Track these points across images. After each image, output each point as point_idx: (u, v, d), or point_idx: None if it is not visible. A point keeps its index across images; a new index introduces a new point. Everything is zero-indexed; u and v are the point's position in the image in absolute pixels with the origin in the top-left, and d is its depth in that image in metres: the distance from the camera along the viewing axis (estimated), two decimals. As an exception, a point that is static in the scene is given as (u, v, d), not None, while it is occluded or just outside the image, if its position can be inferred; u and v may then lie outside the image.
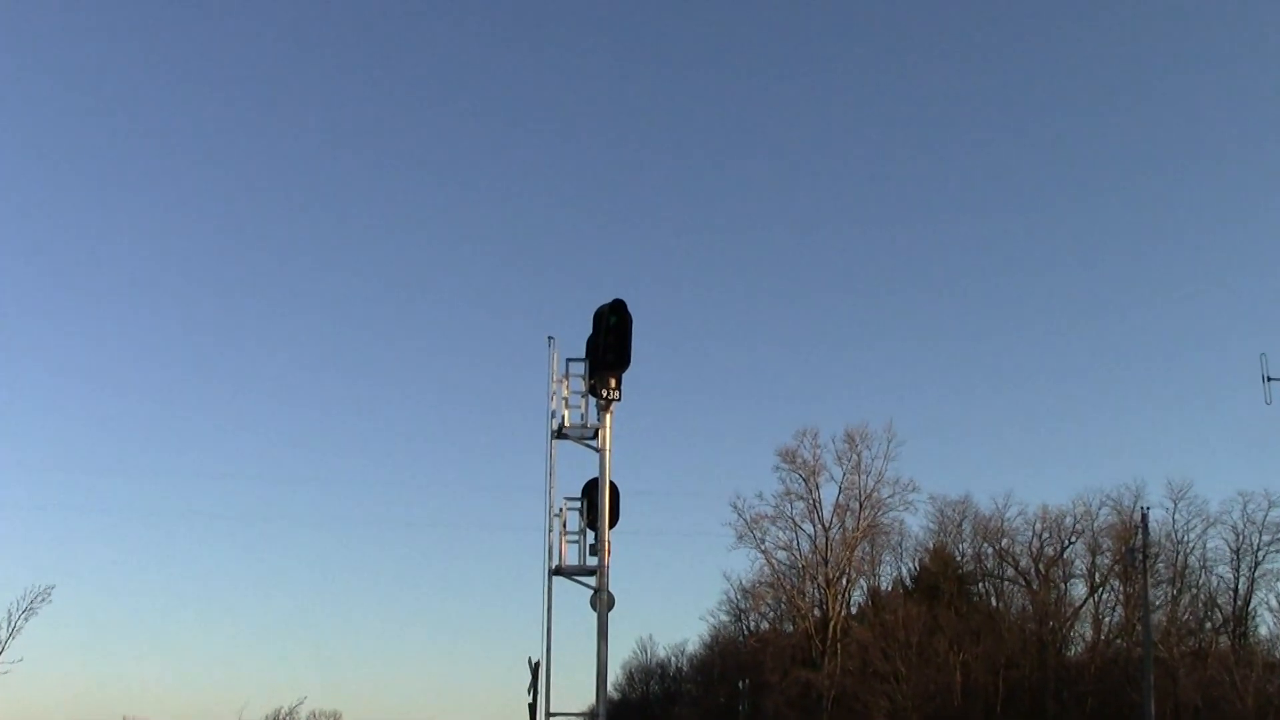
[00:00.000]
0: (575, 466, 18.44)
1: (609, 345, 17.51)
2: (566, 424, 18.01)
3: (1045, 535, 66.59)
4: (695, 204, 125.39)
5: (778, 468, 67.82)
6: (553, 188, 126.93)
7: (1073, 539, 65.85)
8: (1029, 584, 66.41)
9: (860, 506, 67.41)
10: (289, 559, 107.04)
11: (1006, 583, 68.46)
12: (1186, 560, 62.61)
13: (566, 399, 18.08)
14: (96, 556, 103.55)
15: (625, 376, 17.75)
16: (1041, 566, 65.99)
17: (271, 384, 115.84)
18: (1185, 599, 62.34)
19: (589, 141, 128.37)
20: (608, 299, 17.61)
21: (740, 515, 67.53)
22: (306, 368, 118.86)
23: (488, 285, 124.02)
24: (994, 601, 68.85)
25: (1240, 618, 61.14)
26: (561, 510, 17.93)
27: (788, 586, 69.65)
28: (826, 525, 67.54)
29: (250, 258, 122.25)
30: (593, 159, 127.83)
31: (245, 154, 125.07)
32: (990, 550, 69.37)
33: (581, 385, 18.09)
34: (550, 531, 17.78)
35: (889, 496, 67.34)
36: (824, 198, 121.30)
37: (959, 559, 70.95)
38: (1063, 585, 65.99)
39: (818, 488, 67.50)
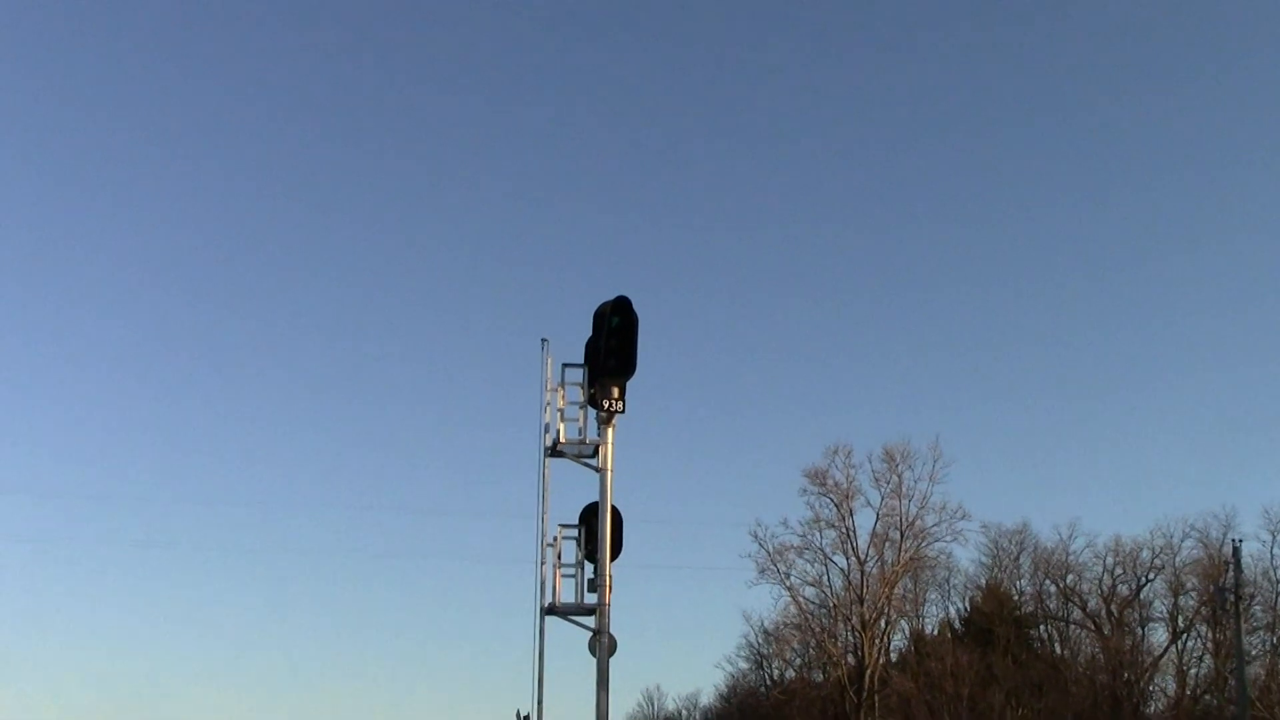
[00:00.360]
0: (572, 489, 18.79)
1: (611, 349, 17.88)
2: (562, 439, 18.35)
3: (1118, 571, 67.55)
4: (708, 193, 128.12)
5: (805, 491, 68.67)
6: (547, 172, 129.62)
7: (1151, 576, 66.74)
8: (1099, 628, 67.17)
9: (901, 536, 68.13)
10: (233, 590, 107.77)
11: (1073, 626, 69.29)
12: (1287, 601, 63.36)
13: (562, 411, 18.43)
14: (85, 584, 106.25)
15: (630, 385, 18.10)
16: (1114, 608, 66.76)
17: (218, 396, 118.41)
18: (1286, 647, 63.04)
19: (588, 123, 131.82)
20: (609, 296, 17.98)
21: (762, 546, 68.30)
22: (266, 373, 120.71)
23: (472, 281, 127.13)
24: (1058, 649, 69.65)
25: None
26: (556, 540, 18.27)
27: (817, 629, 70.54)
28: (862, 558, 68.33)
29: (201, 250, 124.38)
30: (592, 143, 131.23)
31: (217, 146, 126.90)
32: (1053, 588, 70.21)
33: (579, 395, 18.45)
34: (543, 564, 18.13)
35: (935, 525, 68.11)
36: (855, 188, 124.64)
37: (1017, 598, 71.74)
38: (1139, 630, 66.85)
39: (852, 514, 68.33)
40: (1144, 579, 66.99)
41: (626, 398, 18.11)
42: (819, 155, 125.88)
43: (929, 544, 68.60)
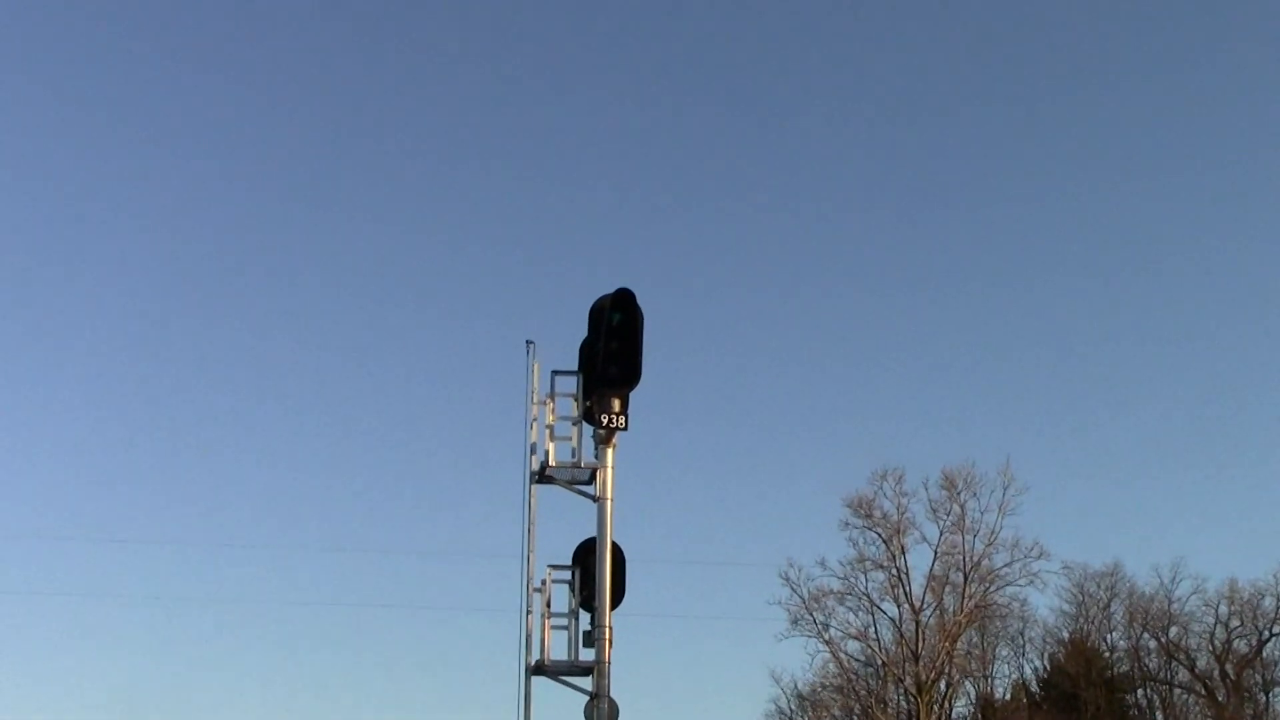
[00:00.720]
0: (564, 522, 18.79)
1: (611, 353, 17.89)
2: (552, 462, 18.36)
3: (1234, 623, 67.26)
4: (724, 170, 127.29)
5: (847, 524, 68.53)
6: (533, 147, 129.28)
7: (1276, 629, 66.34)
8: (1211, 692, 66.92)
9: (965, 579, 67.83)
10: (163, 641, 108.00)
11: (1178, 690, 69.08)
12: None
13: (552, 427, 18.44)
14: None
15: (634, 396, 18.11)
16: (1229, 668, 66.48)
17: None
18: None
19: (584, 96, 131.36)
20: (608, 289, 18.01)
21: (794, 591, 68.13)
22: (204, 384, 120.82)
23: (443, 272, 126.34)
24: (1160, 716, 69.35)
25: None
26: (544, 584, 18.25)
27: (862, 692, 70.37)
28: (917, 606, 68.05)
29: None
30: (586, 112, 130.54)
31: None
32: (1153, 643, 69.99)
33: (572, 409, 18.44)
34: (528, 614, 18.08)
35: (1006, 565, 67.71)
36: (908, 166, 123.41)
37: (1107, 655, 71.56)
38: (1263, 696, 66.49)
39: (904, 553, 68.08)
40: (1266, 633, 66.72)
41: (630, 411, 18.15)
42: (862, 124, 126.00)
43: (999, 589, 68.43)
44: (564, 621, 18.25)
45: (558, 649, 18.03)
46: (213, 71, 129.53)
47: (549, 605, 18.23)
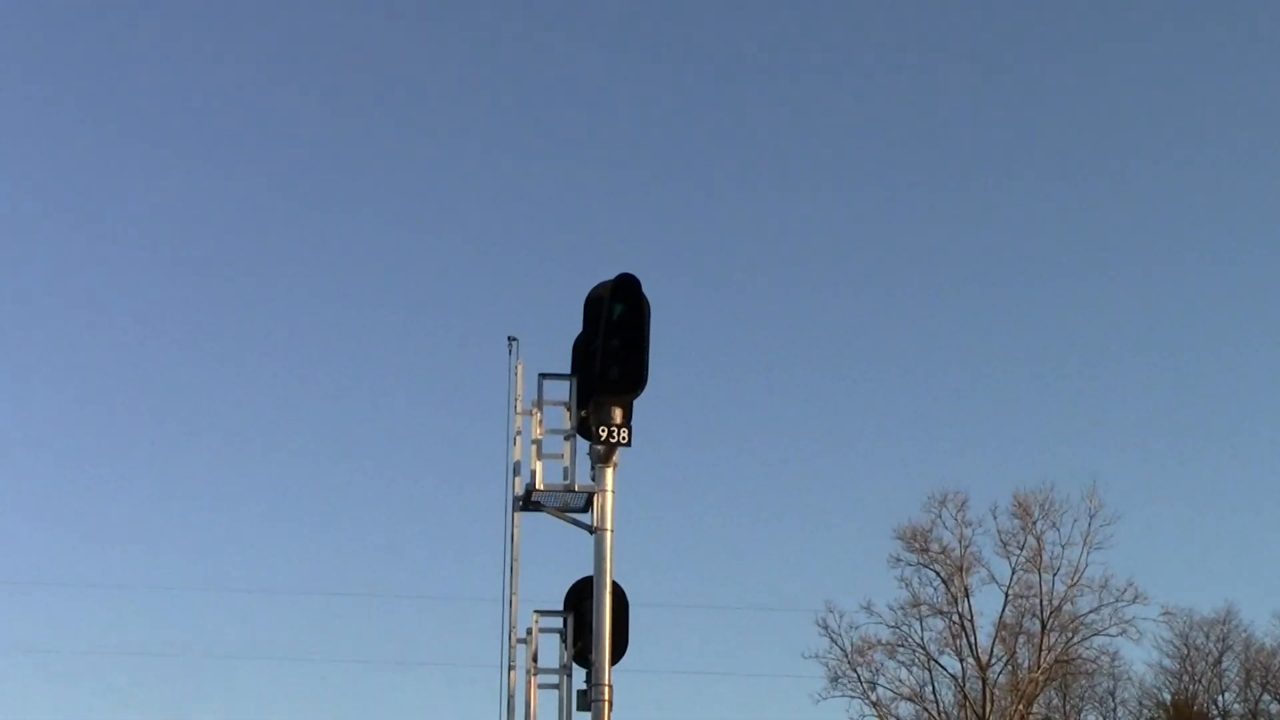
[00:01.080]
0: (554, 558, 19.37)
1: (613, 352, 17.86)
2: (539, 485, 18.25)
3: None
4: (738, 143, 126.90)
5: (898, 560, 68.53)
6: (517, 119, 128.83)
7: None
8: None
9: (1043, 628, 67.69)
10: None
11: (1303, 761, 68.87)
12: None
13: (539, 443, 18.34)
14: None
15: (638, 406, 18.08)
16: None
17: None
18: None
19: (580, 60, 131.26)
20: (606, 276, 17.99)
21: (835, 642, 68.26)
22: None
23: (411, 258, 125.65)
24: (1280, 794, 69.26)
25: None
26: (530, 634, 18.21)
27: (920, 764, 70.34)
28: (984, 660, 67.86)
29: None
30: (580, 78, 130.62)
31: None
32: (1275, 706, 69.62)
33: (564, 419, 18.37)
34: (511, 669, 18.04)
35: (1093, 611, 67.57)
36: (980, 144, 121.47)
37: (1218, 717, 71.20)
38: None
39: (968, 595, 68.18)
40: None
41: (634, 424, 18.05)
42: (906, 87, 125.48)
43: (1084, 639, 68.25)
44: (554, 679, 18.10)
45: (546, 713, 17.98)
46: (172, 45, 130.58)
47: (535, 660, 18.13)
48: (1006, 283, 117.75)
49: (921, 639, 68.32)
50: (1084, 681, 70.88)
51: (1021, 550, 67.97)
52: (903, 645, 68.34)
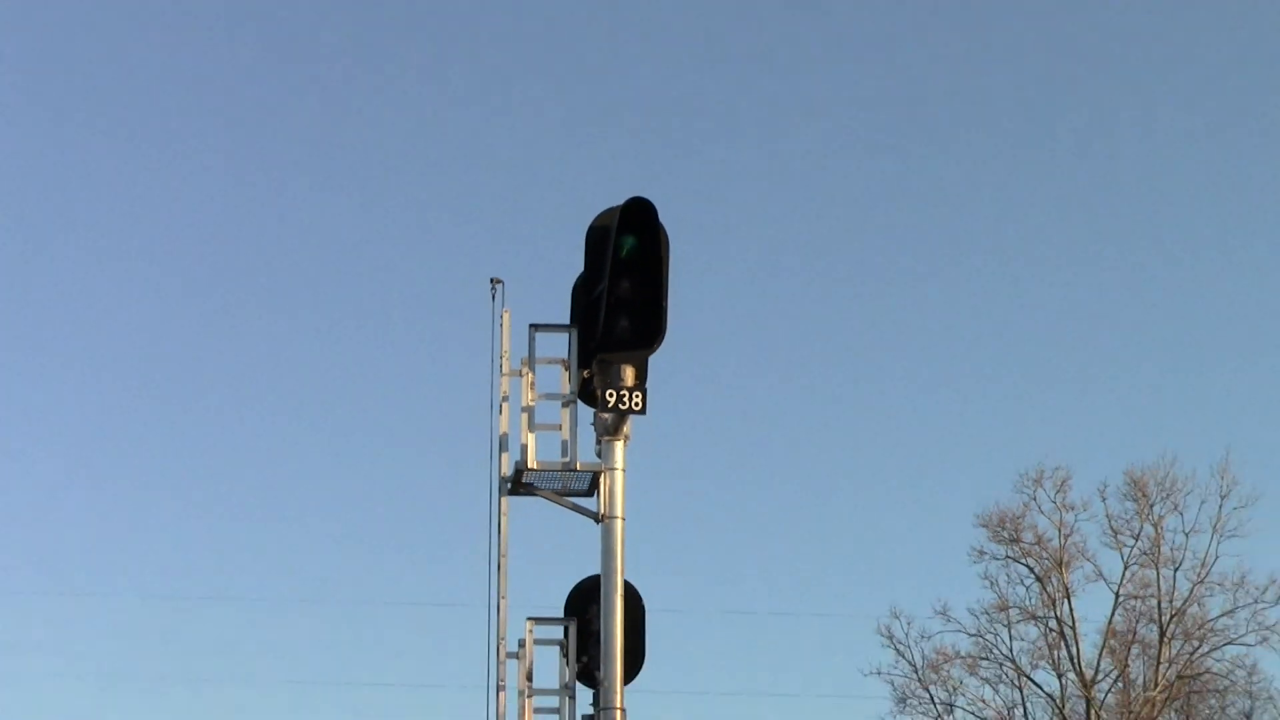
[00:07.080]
0: (551, 553, 18.00)
1: (622, 297, 16.87)
2: (532, 463, 17.03)
3: None
4: (773, 64, 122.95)
5: (981, 554, 65.24)
6: (503, 35, 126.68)
7: None
8: None
9: (1162, 634, 64.67)
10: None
11: None
12: None
13: (531, 410, 17.09)
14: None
15: (655, 364, 17.01)
16: None
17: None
18: None
19: None
20: (609, 204, 16.73)
21: (902, 655, 65.01)
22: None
23: (382, 192, 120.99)
24: None
25: None
26: (524, 646, 17.04)
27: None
28: (1089, 675, 65.16)
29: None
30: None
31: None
32: None
33: (562, 382, 17.18)
34: (501, 690, 16.85)
35: (1225, 614, 64.44)
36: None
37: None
38: None
39: (1068, 596, 64.89)
40: None
41: (650, 386, 16.90)
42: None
43: (1214, 649, 65.11)
44: (553, 702, 16.83)
45: (544, 742, 17.31)
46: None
47: (530, 678, 16.83)
48: (1122, 232, 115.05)
49: (1010, 650, 65.19)
50: (1213, 701, 67.73)
51: (1136, 540, 64.45)
52: (987, 658, 65.32)
